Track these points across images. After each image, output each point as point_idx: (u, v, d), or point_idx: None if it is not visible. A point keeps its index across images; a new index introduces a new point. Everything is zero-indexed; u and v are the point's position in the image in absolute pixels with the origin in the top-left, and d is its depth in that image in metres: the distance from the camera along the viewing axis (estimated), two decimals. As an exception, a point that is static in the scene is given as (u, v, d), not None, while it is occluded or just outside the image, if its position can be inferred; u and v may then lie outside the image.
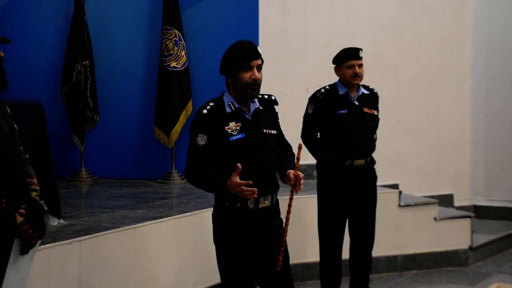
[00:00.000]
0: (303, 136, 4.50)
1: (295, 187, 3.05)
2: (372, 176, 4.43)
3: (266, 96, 3.23)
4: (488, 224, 6.90)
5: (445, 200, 6.94)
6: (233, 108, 3.10)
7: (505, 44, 7.18)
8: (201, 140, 3.06)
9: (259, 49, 3.11)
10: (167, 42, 6.18)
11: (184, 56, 6.21)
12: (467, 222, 5.93)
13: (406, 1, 6.96)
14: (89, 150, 6.42)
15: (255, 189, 2.96)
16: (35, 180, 2.68)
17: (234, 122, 3.08)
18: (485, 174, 7.28)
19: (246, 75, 3.05)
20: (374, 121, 4.42)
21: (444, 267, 5.79)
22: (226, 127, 3.07)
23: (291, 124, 6.42)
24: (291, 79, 6.49)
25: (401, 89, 6.91)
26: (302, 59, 6.53)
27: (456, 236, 5.87)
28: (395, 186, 6.39)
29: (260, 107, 3.17)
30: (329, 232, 4.39)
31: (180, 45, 6.20)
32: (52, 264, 3.43)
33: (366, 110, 4.36)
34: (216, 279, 4.72)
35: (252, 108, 3.15)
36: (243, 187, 2.94)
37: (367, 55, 6.56)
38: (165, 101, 6.20)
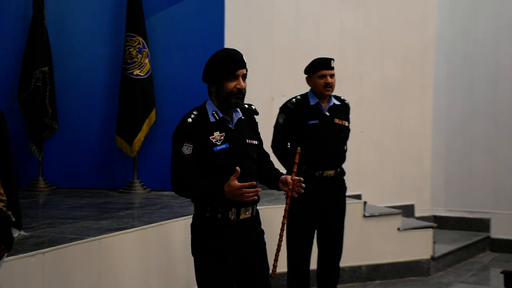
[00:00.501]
0: (273, 146, 4.47)
1: (293, 191, 3.02)
2: (341, 187, 4.43)
3: (246, 106, 3.20)
4: (448, 234, 6.99)
5: (406, 211, 7.01)
6: (217, 118, 3.07)
7: (466, 57, 7.31)
8: (187, 149, 3.00)
9: (244, 58, 3.07)
10: (131, 50, 6.08)
11: (148, 64, 6.12)
12: (429, 233, 5.99)
13: (371, 13, 7.02)
14: (47, 159, 6.25)
15: (259, 188, 2.92)
16: (1, 190, 2.57)
17: (218, 132, 3.04)
18: (445, 185, 7.39)
19: (231, 84, 3.02)
20: (345, 132, 4.42)
21: (407, 277, 5.84)
22: (210, 137, 3.03)
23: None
24: (256, 88, 6.43)
25: (365, 99, 6.95)
26: (267, 69, 6.51)
27: (419, 246, 5.93)
28: (358, 197, 6.41)
29: (242, 117, 3.15)
30: (298, 243, 4.36)
31: (144, 52, 6.11)
32: (14, 277, 3.29)
33: (337, 121, 4.36)
34: (182, 291, 4.66)
35: (235, 118, 3.12)
36: (245, 189, 2.89)
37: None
38: (127, 109, 6.08)
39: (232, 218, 3.04)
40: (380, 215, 5.80)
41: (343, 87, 6.63)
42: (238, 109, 3.13)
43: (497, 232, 7.09)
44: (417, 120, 7.25)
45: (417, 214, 7.22)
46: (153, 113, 6.16)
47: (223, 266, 3.06)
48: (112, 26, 6.34)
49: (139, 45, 6.10)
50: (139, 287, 4.19)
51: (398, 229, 5.84)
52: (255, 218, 3.16)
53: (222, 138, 3.03)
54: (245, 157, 3.09)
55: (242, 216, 3.07)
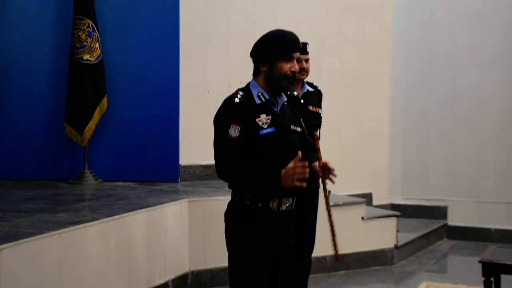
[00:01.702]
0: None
1: (324, 178, 2.88)
2: (315, 177, 4.22)
3: (289, 92, 3.02)
4: (406, 222, 6.93)
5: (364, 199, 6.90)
6: (263, 100, 2.88)
7: (423, 44, 7.25)
8: (234, 131, 2.79)
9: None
10: (79, 33, 5.73)
11: (98, 48, 5.79)
12: (393, 222, 5.90)
13: (329, -1, 6.88)
14: (-12, 149, 5.85)
15: (307, 166, 2.70)
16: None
17: (265, 115, 2.84)
18: (402, 173, 7.34)
19: (286, 66, 2.85)
20: (318, 120, 4.25)
21: (371, 267, 5.73)
22: (257, 119, 2.83)
23: (207, 121, 6.15)
24: (213, 74, 6.22)
25: (323, 87, 6.77)
26: (224, 54, 6.27)
27: (383, 235, 5.83)
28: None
29: (285, 102, 2.97)
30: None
31: (94, 36, 5.77)
32: (-30, 277, 2.97)
33: (311, 108, 4.18)
34: (146, 284, 4.40)
35: (280, 102, 2.93)
36: (297, 165, 2.67)
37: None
38: (77, 96, 5.75)
39: (272, 209, 2.86)
40: (345, 204, 5.67)
41: (301, 74, 6.47)
42: (283, 93, 2.95)
43: (453, 219, 7.09)
44: (375, 109, 7.17)
45: (375, 202, 7.14)
46: (105, 100, 5.84)
47: (261, 257, 2.86)
48: (59, 7, 5.98)
49: (88, 28, 5.76)
50: (101, 282, 3.90)
51: (362, 218, 5.72)
52: (293, 212, 2.97)
53: (268, 121, 2.85)
54: (289, 143, 2.93)
55: (282, 207, 2.88)
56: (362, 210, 5.76)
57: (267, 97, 2.88)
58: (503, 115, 6.93)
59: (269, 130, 2.83)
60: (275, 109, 2.90)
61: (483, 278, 3.99)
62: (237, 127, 2.78)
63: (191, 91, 6.09)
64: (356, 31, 7.00)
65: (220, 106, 2.86)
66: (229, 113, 2.81)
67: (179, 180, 6.01)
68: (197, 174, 6.10)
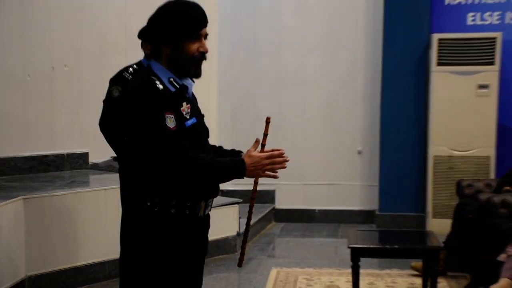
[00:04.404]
0: (101, 124, 3.86)
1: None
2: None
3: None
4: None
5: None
6: (177, 86, 2.43)
7: (249, 28, 7.21)
8: (171, 121, 2.33)
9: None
10: None
11: None
12: (235, 209, 5.83)
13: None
14: None
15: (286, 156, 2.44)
16: None
17: (185, 103, 2.42)
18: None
19: (194, 46, 2.42)
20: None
21: (216, 256, 5.60)
22: (181, 108, 2.40)
23: (28, 107, 5.54)
24: (33, 57, 5.58)
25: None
26: (46, 36, 5.65)
27: (226, 223, 5.73)
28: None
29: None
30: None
31: None
32: None
33: None
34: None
35: (190, 87, 2.52)
36: (275, 159, 2.39)
37: (118, 32, 6.01)
38: None
39: (200, 215, 2.47)
40: (189, 193, 5.43)
41: (129, 59, 6.07)
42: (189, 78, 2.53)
43: (280, 202, 7.22)
44: (204, 94, 6.98)
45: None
46: None
47: (196, 275, 2.54)
48: None
49: None
50: None
51: (206, 207, 5.55)
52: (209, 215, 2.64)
53: (189, 110, 2.43)
54: (206, 135, 2.58)
55: (207, 211, 2.53)
56: (207, 199, 5.58)
57: (180, 82, 2.47)
58: (324, 100, 7.17)
59: (193, 120, 2.44)
60: (188, 96, 2.51)
61: (350, 263, 4.07)
62: (171, 116, 2.35)
63: (8, 74, 5.42)
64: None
65: (138, 96, 2.36)
66: (157, 102, 2.35)
67: (-2, 174, 5.33)
68: (20, 167, 5.46)
